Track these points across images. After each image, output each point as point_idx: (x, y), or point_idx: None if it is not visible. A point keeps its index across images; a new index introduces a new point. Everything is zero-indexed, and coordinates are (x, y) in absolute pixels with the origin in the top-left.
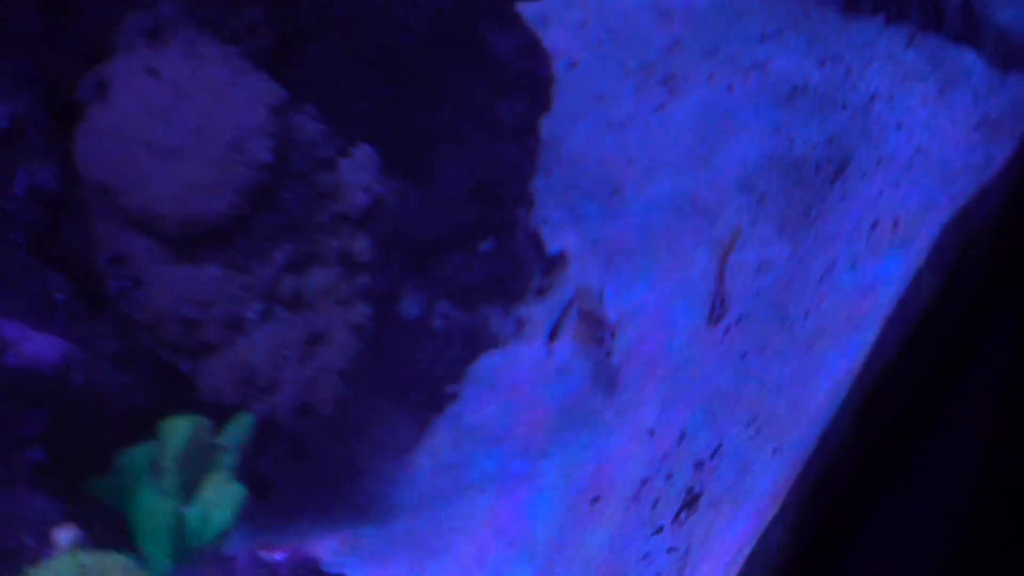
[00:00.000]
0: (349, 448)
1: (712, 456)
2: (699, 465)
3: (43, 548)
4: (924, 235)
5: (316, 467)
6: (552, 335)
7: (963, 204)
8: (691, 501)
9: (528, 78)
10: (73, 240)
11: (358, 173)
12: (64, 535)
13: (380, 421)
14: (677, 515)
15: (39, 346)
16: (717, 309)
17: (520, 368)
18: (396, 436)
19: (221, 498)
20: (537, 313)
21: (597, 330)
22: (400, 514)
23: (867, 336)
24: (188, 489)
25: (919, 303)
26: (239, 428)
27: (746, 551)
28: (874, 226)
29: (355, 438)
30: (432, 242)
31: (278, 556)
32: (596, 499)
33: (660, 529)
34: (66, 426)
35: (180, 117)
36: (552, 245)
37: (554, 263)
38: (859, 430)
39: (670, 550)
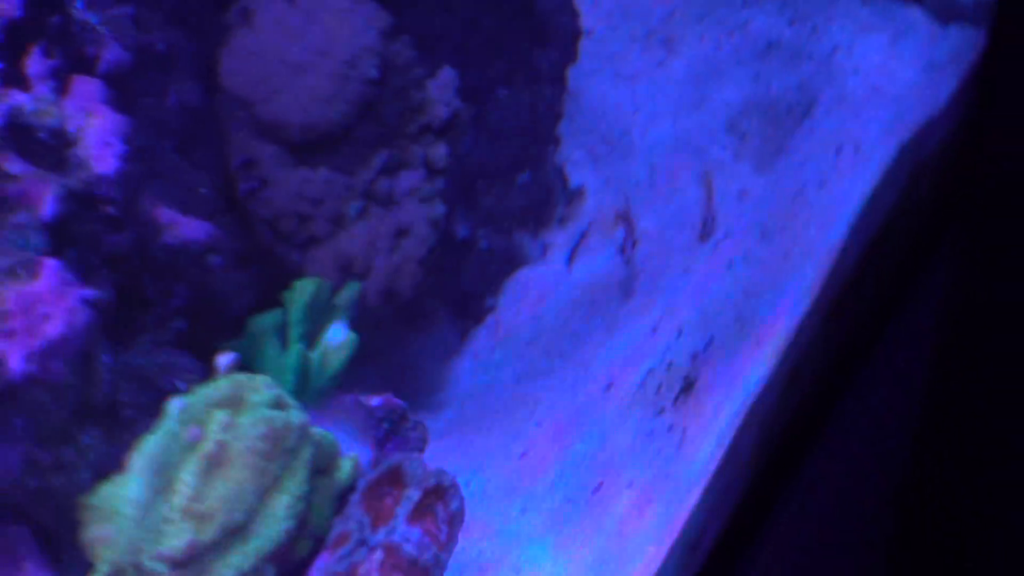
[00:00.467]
0: (403, 349)
1: (705, 348)
2: (694, 356)
3: (190, 390)
4: (881, 156)
5: (377, 364)
6: (571, 257)
7: (914, 131)
8: (687, 387)
9: (562, 31)
10: (211, 147)
11: (441, 91)
12: (224, 359)
13: (429, 328)
14: (676, 398)
15: (189, 228)
16: (708, 227)
17: (546, 284)
18: (443, 341)
19: (337, 344)
20: (560, 238)
21: (629, 235)
22: (448, 404)
23: (834, 244)
24: (310, 339)
25: (877, 217)
26: (349, 291)
27: (735, 427)
28: (838, 151)
29: (408, 341)
30: (480, 171)
31: (374, 401)
32: (609, 385)
33: (662, 410)
34: (203, 301)
35: (308, 38)
36: (573, 180)
37: (574, 196)
38: (826, 327)
39: (670, 428)
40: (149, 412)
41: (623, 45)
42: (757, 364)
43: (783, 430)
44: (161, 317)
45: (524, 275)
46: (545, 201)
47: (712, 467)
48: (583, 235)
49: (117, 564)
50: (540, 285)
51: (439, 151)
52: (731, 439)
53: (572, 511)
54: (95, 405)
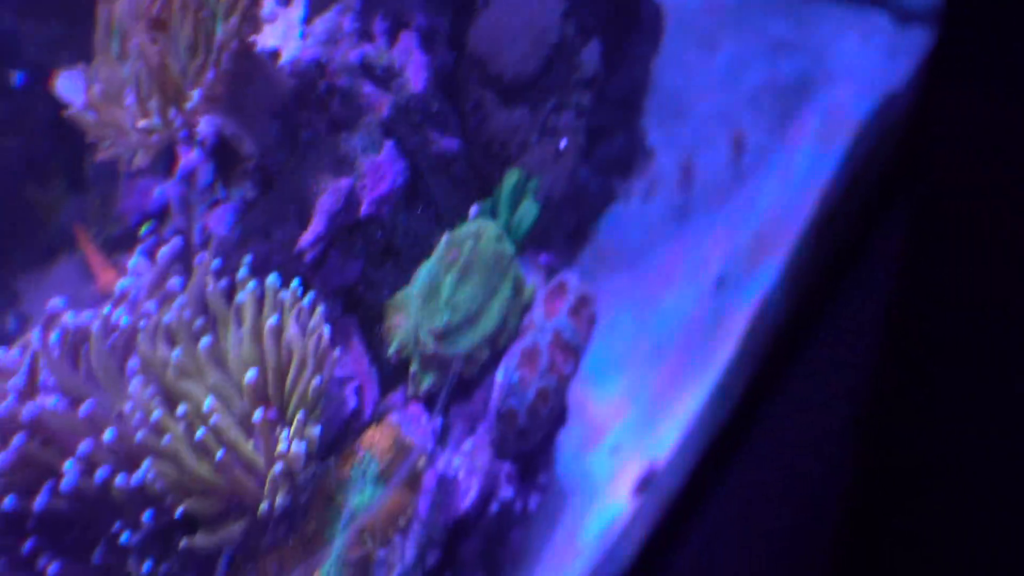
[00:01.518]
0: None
1: (734, 255)
2: (727, 257)
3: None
4: (855, 121)
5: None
6: (646, 195)
7: (880, 99)
8: (722, 281)
9: (654, 30)
10: (454, 98)
11: (590, 55)
12: (474, 208)
13: (560, 232)
14: (717, 287)
15: (447, 143)
16: (738, 172)
17: (629, 214)
18: (561, 251)
19: (527, 212)
20: (637, 184)
21: (686, 178)
22: None
23: (822, 185)
24: (512, 210)
25: (852, 168)
26: (534, 182)
27: (753, 312)
28: (827, 114)
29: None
30: (595, 131)
31: (543, 258)
32: (669, 281)
33: (702, 295)
34: (446, 195)
35: (521, 15)
36: (647, 141)
37: (648, 152)
38: (816, 249)
39: (712, 310)
40: (416, 261)
41: (683, 49)
42: (772, 262)
43: (787, 323)
44: (426, 202)
45: (614, 209)
46: (631, 155)
47: (739, 337)
48: (653, 180)
49: (404, 340)
50: (625, 216)
51: (586, 98)
52: (749, 321)
53: (642, 362)
54: (393, 246)
